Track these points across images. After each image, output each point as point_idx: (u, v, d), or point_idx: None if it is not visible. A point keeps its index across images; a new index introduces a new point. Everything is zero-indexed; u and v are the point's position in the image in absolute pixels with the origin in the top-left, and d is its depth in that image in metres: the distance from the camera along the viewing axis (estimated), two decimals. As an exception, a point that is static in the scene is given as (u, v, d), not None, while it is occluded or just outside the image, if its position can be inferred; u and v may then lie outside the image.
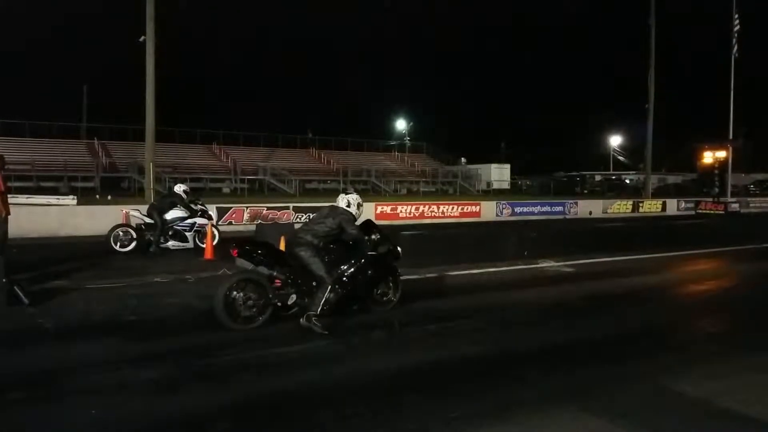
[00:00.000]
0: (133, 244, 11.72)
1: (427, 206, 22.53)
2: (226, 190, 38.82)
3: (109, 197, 24.53)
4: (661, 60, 33.41)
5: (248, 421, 3.87)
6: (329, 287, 5.97)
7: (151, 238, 11.73)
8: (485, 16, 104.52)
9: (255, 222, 17.07)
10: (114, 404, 4.06)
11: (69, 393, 4.26)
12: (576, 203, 26.96)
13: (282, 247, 6.94)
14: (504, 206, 24.58)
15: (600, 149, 65.71)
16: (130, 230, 11.87)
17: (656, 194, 36.71)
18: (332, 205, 6.53)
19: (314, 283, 6.10)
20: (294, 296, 6.14)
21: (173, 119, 41.65)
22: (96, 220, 14.64)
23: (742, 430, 3.83)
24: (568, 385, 4.57)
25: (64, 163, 35.98)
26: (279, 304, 6.07)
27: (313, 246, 6.13)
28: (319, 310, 5.88)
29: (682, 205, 30.52)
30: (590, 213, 26.59)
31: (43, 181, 32.60)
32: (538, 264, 11.01)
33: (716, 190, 31.59)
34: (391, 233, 8.13)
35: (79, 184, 32.52)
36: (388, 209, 21.25)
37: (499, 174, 50.20)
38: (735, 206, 29.53)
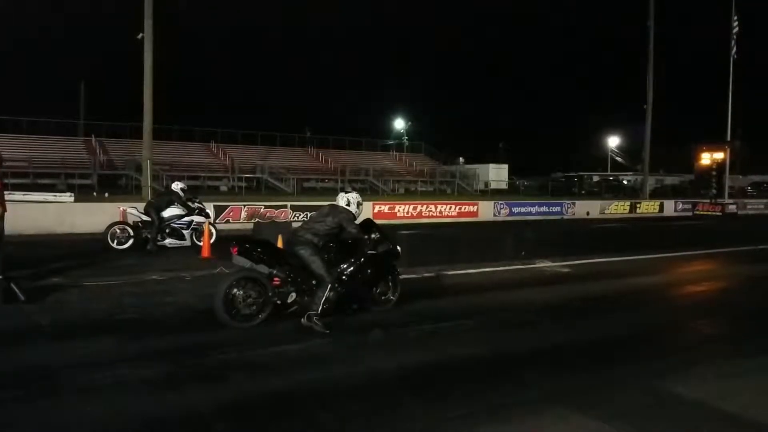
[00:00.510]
0: (131, 241, 11.70)
1: (424, 206, 22.52)
2: (223, 188, 38.69)
3: (106, 195, 24.50)
4: (660, 61, 33.51)
5: (247, 421, 3.85)
6: (329, 286, 5.98)
7: (149, 236, 11.72)
8: (485, 16, 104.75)
9: (252, 220, 17.06)
10: (111, 402, 4.04)
11: (66, 391, 4.24)
12: (573, 204, 26.97)
13: (280, 245, 6.93)
14: (502, 206, 24.59)
15: (598, 150, 65.87)
16: (128, 228, 11.85)
17: (654, 195, 36.80)
18: (332, 204, 6.53)
19: (314, 282, 6.11)
20: (293, 294, 6.14)
21: (171, 117, 41.64)
22: (93, 217, 14.59)
23: (740, 432, 3.83)
24: (566, 386, 4.57)
25: (62, 160, 35.80)
26: (278, 302, 6.07)
27: (313, 245, 6.13)
28: (320, 309, 5.89)
29: (680, 206, 30.59)
30: (588, 213, 26.61)
31: (41, 179, 32.38)
32: (535, 264, 11.02)
33: (714, 191, 31.62)
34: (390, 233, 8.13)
35: (77, 182, 32.35)
36: (385, 209, 21.23)
37: (497, 174, 50.11)
38: (732, 208, 29.54)
